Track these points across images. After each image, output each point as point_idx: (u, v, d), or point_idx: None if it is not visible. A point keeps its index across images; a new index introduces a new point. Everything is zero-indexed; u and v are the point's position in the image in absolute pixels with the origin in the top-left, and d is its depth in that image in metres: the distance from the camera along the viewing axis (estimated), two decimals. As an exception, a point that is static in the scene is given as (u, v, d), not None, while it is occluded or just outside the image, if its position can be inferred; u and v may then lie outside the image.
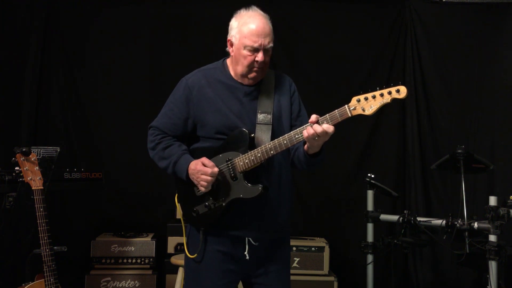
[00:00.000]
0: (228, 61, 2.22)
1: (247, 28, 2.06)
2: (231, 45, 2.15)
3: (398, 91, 1.90)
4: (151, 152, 2.22)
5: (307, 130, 1.94)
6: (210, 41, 4.30)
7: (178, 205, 2.24)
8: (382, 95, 1.91)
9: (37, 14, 4.20)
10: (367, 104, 1.93)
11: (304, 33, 4.49)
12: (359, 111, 1.94)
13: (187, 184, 2.12)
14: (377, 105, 1.92)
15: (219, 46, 4.15)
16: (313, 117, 1.96)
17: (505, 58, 4.39)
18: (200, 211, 2.12)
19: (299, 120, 2.23)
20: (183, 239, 2.26)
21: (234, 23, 2.13)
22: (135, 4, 4.37)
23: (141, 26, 4.38)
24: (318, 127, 1.92)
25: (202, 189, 2.07)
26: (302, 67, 4.47)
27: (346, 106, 1.94)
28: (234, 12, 2.17)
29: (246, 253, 2.13)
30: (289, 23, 4.44)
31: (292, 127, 2.20)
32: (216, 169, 2.03)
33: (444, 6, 4.49)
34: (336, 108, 1.95)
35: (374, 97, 1.92)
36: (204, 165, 2.04)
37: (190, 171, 2.08)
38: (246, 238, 2.13)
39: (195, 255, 2.15)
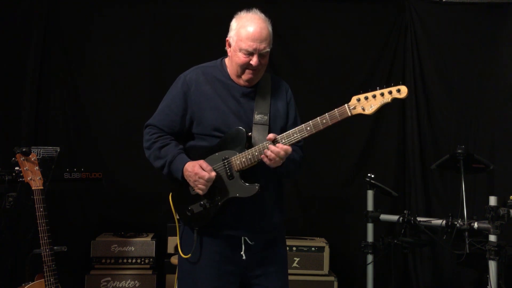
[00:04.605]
0: (226, 60, 2.22)
1: (245, 31, 2.06)
2: (229, 45, 2.15)
3: (398, 90, 1.90)
4: (147, 151, 2.20)
5: (269, 155, 1.98)
6: (211, 41, 4.30)
7: (172, 205, 2.22)
8: (382, 94, 1.91)
9: (37, 14, 4.20)
10: (367, 103, 1.92)
11: (304, 33, 4.49)
12: (359, 110, 1.93)
13: (182, 183, 2.11)
14: (377, 104, 1.92)
15: (219, 46, 4.19)
16: (271, 135, 2.00)
17: (505, 58, 4.39)
18: (195, 210, 2.10)
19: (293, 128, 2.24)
20: (177, 240, 2.24)
21: (233, 24, 2.13)
22: (135, 4, 4.37)
23: (141, 26, 4.38)
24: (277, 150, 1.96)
25: (199, 191, 2.06)
26: (302, 67, 4.48)
27: (346, 105, 1.94)
28: (234, 11, 2.17)
29: (242, 252, 2.12)
30: (289, 23, 4.44)
31: None
32: (213, 174, 2.01)
33: (444, 6, 4.49)
34: (336, 108, 1.95)
35: (374, 96, 1.91)
36: (202, 168, 2.02)
37: (186, 173, 2.06)
38: (242, 238, 2.12)
39: (189, 255, 2.14)
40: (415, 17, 4.49)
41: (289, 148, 1.98)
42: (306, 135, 1.99)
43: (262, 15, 2.12)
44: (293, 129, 2.00)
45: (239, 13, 2.14)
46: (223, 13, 4.33)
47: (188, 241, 2.17)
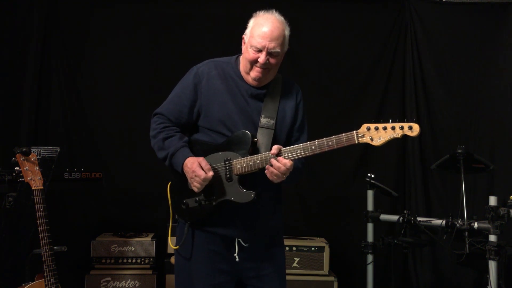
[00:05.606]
0: (241, 58, 2.22)
1: (258, 29, 2.09)
2: (244, 42, 2.17)
3: (410, 128, 1.88)
4: (152, 140, 2.20)
5: (271, 170, 1.97)
6: (211, 40, 4.31)
7: (168, 195, 2.23)
8: (393, 128, 1.89)
9: (37, 14, 4.20)
10: (376, 134, 1.91)
11: (305, 33, 4.49)
12: (367, 139, 1.92)
13: (182, 176, 2.12)
14: (386, 138, 1.90)
15: (219, 46, 4.20)
16: (275, 148, 1.98)
17: (505, 58, 4.39)
18: (190, 205, 2.12)
19: (299, 131, 2.23)
20: (169, 230, 2.30)
21: (250, 22, 2.16)
22: (135, 3, 4.37)
23: (141, 25, 4.38)
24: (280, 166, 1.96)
25: (194, 189, 2.06)
26: (302, 67, 4.47)
27: (354, 132, 1.93)
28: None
29: (236, 254, 2.13)
30: (289, 23, 4.42)
31: (291, 137, 2.21)
32: (210, 174, 2.02)
33: (444, 6, 4.49)
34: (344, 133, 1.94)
35: (385, 128, 1.90)
36: (201, 167, 2.02)
37: (185, 168, 2.07)
38: (236, 239, 2.13)
39: (177, 246, 2.18)
40: (415, 17, 4.49)
41: (288, 163, 1.97)
42: (310, 154, 1.98)
43: (280, 17, 2.15)
44: (298, 145, 2.00)
45: (258, 12, 2.17)
46: (222, 13, 4.38)
47: (179, 233, 2.21)
